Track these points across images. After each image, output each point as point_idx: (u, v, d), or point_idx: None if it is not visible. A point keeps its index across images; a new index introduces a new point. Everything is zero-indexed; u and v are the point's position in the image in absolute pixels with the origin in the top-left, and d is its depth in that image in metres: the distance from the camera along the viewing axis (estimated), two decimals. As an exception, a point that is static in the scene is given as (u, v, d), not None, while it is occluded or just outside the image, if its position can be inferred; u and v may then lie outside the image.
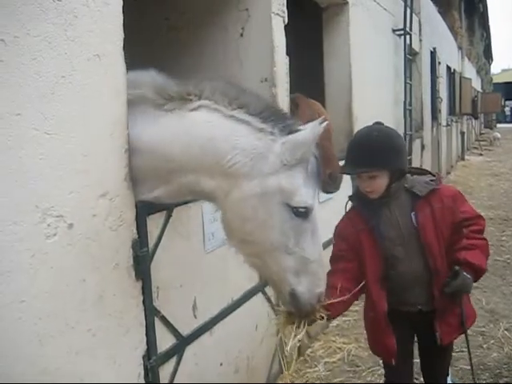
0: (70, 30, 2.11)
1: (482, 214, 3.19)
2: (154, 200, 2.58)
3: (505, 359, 4.63)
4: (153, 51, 4.65)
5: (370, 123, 2.98)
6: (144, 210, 2.60)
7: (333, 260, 3.02)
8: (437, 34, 15.04)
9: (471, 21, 29.64)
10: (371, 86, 7.54)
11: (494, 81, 53.58)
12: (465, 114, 22.99)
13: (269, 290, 3.86)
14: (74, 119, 2.14)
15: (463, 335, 2.96)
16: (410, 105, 9.99)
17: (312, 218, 2.43)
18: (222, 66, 4.45)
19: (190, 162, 2.41)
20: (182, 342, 3.01)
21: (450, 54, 19.27)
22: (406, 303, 2.94)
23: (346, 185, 4.64)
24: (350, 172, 2.91)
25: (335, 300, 2.63)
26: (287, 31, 4.39)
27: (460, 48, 22.78)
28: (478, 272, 2.82)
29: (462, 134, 22.46)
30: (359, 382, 4.39)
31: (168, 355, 2.88)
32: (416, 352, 3.24)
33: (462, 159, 21.82)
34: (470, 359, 3.06)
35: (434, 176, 3.00)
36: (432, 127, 13.68)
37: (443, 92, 16.35)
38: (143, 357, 2.63)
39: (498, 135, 30.22)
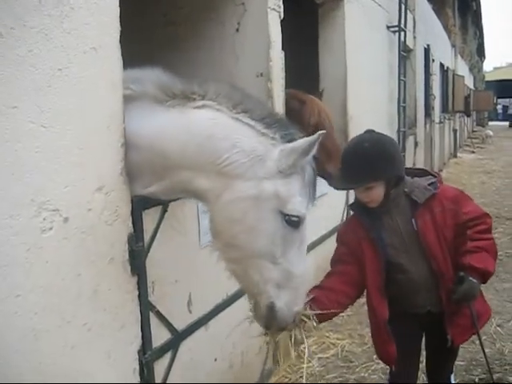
0: (66, 22, 2.09)
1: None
2: (150, 196, 2.57)
3: (497, 355, 4.66)
4: (151, 48, 4.64)
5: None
6: (140, 204, 2.58)
7: (333, 262, 3.02)
8: (431, 32, 15.07)
9: (464, 19, 29.72)
10: (366, 82, 7.54)
11: (486, 79, 53.76)
12: (457, 112, 23.08)
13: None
14: (71, 112, 2.12)
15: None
16: (404, 102, 10.01)
17: (302, 230, 2.40)
18: (218, 60, 4.44)
19: (186, 159, 2.40)
20: (177, 337, 3.01)
21: (444, 52, 19.32)
22: (414, 306, 2.92)
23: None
24: (343, 187, 2.84)
25: (323, 312, 2.63)
26: (283, 27, 4.38)
27: (453, 46, 22.85)
28: (485, 275, 2.76)
29: (455, 131, 22.53)
30: (353, 377, 4.40)
31: (163, 350, 2.87)
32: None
33: (455, 156, 21.89)
34: (486, 357, 3.02)
35: (434, 176, 2.95)
36: (425, 124, 13.72)
37: (436, 89, 16.39)
38: (138, 352, 2.62)
39: (490, 133, 30.33)
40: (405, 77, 10.13)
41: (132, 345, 2.59)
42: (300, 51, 6.54)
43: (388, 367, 3.20)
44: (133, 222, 2.54)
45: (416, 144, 11.73)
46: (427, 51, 14.24)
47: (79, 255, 2.22)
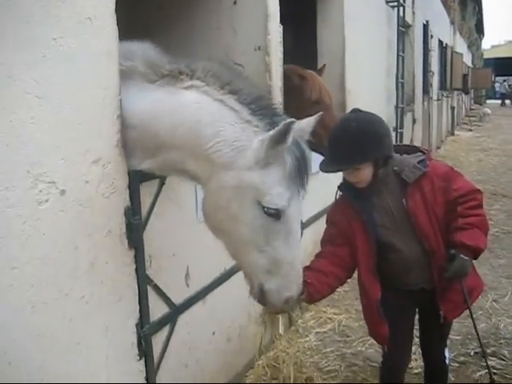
0: (61, -10, 2.04)
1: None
2: (145, 171, 2.55)
3: (492, 329, 4.72)
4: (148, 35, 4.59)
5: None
6: (137, 177, 2.56)
7: (323, 243, 2.99)
8: (430, 7, 14.91)
9: (464, -6, 29.41)
10: (364, 57, 7.47)
11: (485, 56, 53.41)
12: (455, 89, 22.95)
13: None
14: (66, 83, 2.09)
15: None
16: (403, 78, 9.93)
17: (286, 220, 2.32)
18: (216, 34, 4.39)
19: (176, 140, 2.38)
20: (175, 311, 3.01)
21: (442, 28, 19.14)
22: (407, 283, 2.92)
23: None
24: (330, 170, 2.76)
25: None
26: (281, 4, 4.31)
27: (452, 23, 22.63)
28: (476, 252, 2.74)
29: (453, 108, 22.45)
30: (349, 351, 4.43)
31: (161, 324, 2.88)
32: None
33: (452, 134, 21.85)
34: (476, 331, 3.01)
35: (423, 153, 2.89)
36: (423, 101, 13.65)
37: (435, 66, 16.28)
38: (136, 325, 2.63)
39: (488, 111, 30.23)
40: (403, 52, 10.02)
41: (130, 318, 2.59)
42: (298, 28, 6.47)
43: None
44: (130, 195, 2.52)
45: (414, 121, 11.67)
46: (426, 27, 14.11)
47: (76, 228, 2.20)
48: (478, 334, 3.01)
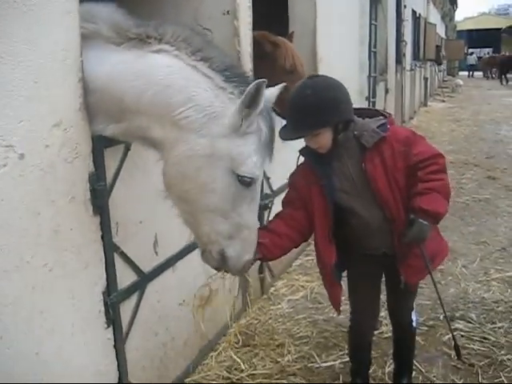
0: None
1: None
2: (109, 136, 2.47)
3: (461, 294, 4.81)
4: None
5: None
6: (101, 142, 2.50)
7: (284, 204, 2.97)
8: (403, -24, 14.80)
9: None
10: (336, 25, 7.38)
11: (458, 28, 53.52)
12: (428, 60, 22.99)
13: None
14: (21, 42, 2.00)
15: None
16: (375, 47, 9.87)
17: (255, 187, 2.37)
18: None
19: (143, 105, 2.30)
20: (144, 279, 2.98)
21: (416, -2, 19.07)
22: (369, 248, 2.92)
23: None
24: (288, 137, 2.72)
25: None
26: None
27: (426, -8, 22.58)
28: (436, 217, 2.71)
29: (426, 79, 22.51)
30: (321, 317, 4.46)
31: (129, 292, 2.85)
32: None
33: (425, 105, 21.97)
34: (438, 293, 3.02)
35: (385, 117, 2.84)
36: (396, 71, 13.61)
37: (408, 36, 16.24)
38: (103, 293, 2.60)
39: (461, 82, 30.41)
40: (376, 21, 9.95)
41: (96, 286, 2.55)
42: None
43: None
44: (94, 160, 2.46)
45: (387, 91, 11.65)
46: (399, -4, 14.02)
47: (37, 194, 2.14)
48: (440, 298, 3.03)
